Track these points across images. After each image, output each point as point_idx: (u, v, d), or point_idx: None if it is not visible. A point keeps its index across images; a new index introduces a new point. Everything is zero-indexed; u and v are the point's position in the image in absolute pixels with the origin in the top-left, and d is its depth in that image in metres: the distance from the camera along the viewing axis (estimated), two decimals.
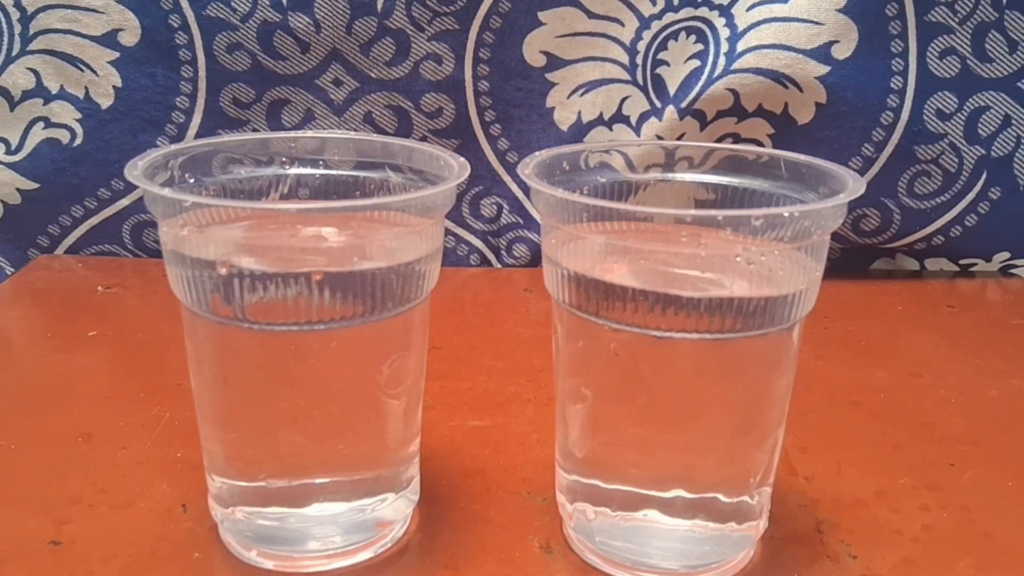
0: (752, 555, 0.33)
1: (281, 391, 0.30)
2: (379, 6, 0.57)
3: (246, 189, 0.34)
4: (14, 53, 0.58)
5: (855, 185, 0.29)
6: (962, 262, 0.65)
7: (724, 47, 0.57)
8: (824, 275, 0.30)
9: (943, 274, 0.65)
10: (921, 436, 0.42)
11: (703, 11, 0.58)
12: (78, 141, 0.59)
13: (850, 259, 0.65)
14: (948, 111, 0.58)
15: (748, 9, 0.57)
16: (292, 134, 0.35)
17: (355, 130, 0.60)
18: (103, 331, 0.51)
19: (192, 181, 0.32)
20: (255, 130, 0.59)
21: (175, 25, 0.57)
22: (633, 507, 0.31)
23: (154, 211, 0.29)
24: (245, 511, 0.32)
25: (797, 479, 0.38)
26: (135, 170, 0.29)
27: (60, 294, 0.57)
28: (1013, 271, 0.65)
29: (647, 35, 0.59)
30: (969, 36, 0.57)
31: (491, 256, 0.64)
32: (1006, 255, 0.64)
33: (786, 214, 0.27)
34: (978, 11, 0.57)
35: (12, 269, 0.62)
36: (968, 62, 0.57)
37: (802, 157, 0.33)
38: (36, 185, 0.60)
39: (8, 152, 0.59)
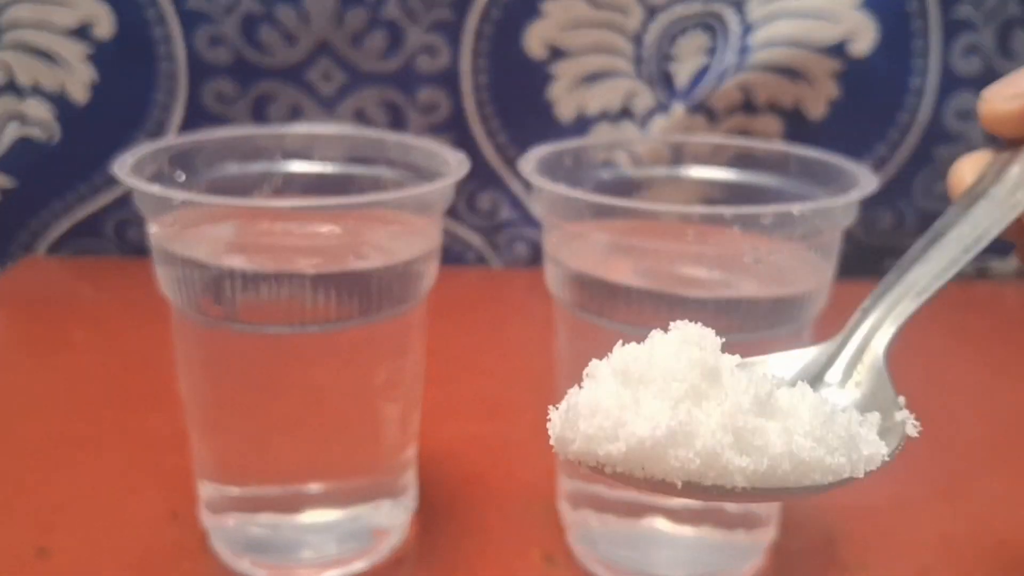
0: (761, 565, 0.32)
1: (273, 394, 0.30)
2: None
3: (237, 186, 0.33)
4: None
5: (867, 182, 0.29)
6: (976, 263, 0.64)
7: (735, 42, 0.56)
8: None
9: (957, 275, 0.64)
10: (935, 443, 0.41)
11: (713, 5, 0.57)
12: (55, 139, 0.58)
13: (860, 258, 0.64)
14: (970, 111, 0.57)
15: (761, 3, 0.56)
16: (283, 129, 0.34)
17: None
18: (89, 335, 0.50)
19: (182, 178, 0.32)
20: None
21: (152, 19, 0.56)
22: (638, 514, 0.31)
23: (142, 209, 0.29)
24: (236, 518, 0.31)
25: None
26: (124, 167, 0.29)
27: (45, 297, 0.56)
28: None
29: (654, 28, 0.58)
30: (994, 33, 0.56)
31: (490, 253, 0.64)
32: None
33: (796, 212, 0.27)
34: (1005, 7, 0.56)
35: None
36: (993, 61, 0.57)
37: (813, 153, 0.32)
38: (14, 184, 0.59)
39: None
